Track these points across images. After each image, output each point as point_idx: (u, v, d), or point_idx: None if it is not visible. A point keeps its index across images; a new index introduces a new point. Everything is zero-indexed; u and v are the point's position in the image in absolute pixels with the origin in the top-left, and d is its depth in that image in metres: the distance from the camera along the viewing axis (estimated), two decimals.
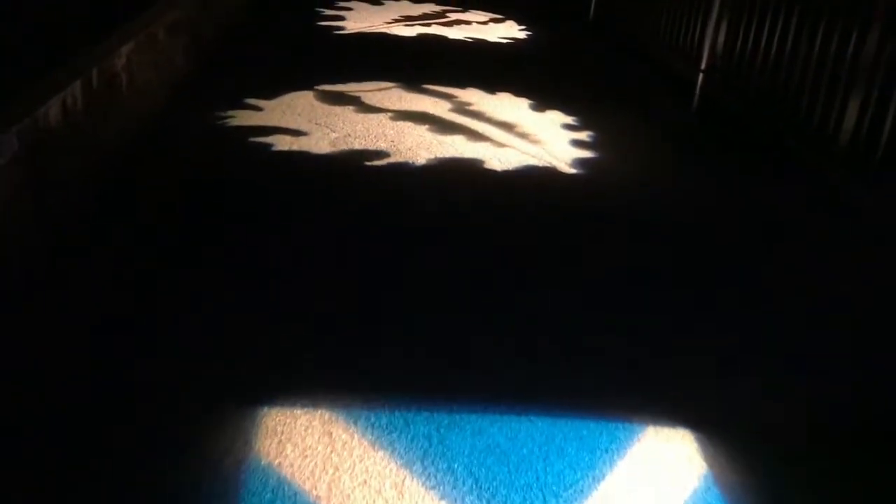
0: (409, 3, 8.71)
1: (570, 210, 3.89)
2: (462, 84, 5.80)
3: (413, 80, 5.81)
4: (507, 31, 7.85)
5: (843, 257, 3.62)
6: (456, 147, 4.57)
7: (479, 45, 7.15)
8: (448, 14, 8.30)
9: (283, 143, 4.45)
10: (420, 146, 4.55)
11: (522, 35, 7.73)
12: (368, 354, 2.63)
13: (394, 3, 8.67)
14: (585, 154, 4.64)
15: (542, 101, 5.55)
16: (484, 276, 3.20)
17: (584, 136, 4.96)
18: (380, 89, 5.58)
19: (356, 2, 8.56)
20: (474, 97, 5.55)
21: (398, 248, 3.38)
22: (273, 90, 5.36)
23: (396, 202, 3.85)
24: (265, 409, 2.30)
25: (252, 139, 4.49)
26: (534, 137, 4.83)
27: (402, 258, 3.30)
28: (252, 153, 4.31)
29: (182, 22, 5.28)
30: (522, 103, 5.52)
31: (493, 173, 4.26)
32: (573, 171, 4.38)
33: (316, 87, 5.51)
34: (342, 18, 7.78)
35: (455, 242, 3.49)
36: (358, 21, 7.71)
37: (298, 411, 2.29)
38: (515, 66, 6.53)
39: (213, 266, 3.15)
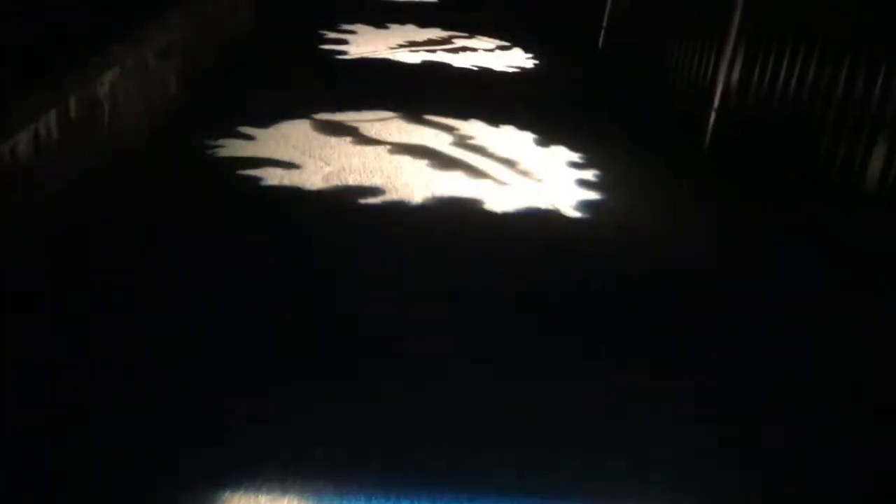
0: (414, 27, 8.55)
1: (571, 262, 3.66)
2: (465, 115, 5.60)
3: (414, 109, 5.61)
4: (514, 59, 7.66)
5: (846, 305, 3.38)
6: (455, 185, 4.36)
7: (485, 74, 6.96)
8: (454, 40, 8.13)
9: (272, 177, 4.24)
10: (417, 183, 4.33)
11: (529, 64, 7.53)
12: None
13: (399, 27, 8.50)
14: (590, 195, 4.41)
15: (547, 136, 5.34)
16: (484, 360, 2.82)
17: (589, 175, 4.74)
18: (380, 119, 5.38)
19: (361, 25, 8.40)
20: (477, 130, 5.34)
21: (385, 310, 3.15)
22: (268, 118, 5.16)
23: (387, 254, 3.62)
24: None
25: (240, 172, 4.28)
26: (537, 176, 4.61)
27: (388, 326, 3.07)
28: (237, 189, 4.09)
29: (175, 45, 5.10)
30: (527, 137, 5.30)
31: (491, 216, 4.03)
32: (577, 214, 4.15)
33: (313, 116, 5.31)
34: (345, 42, 7.61)
35: (448, 305, 3.25)
36: (361, 45, 7.53)
37: None
38: (521, 97, 6.33)
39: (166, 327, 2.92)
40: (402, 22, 8.70)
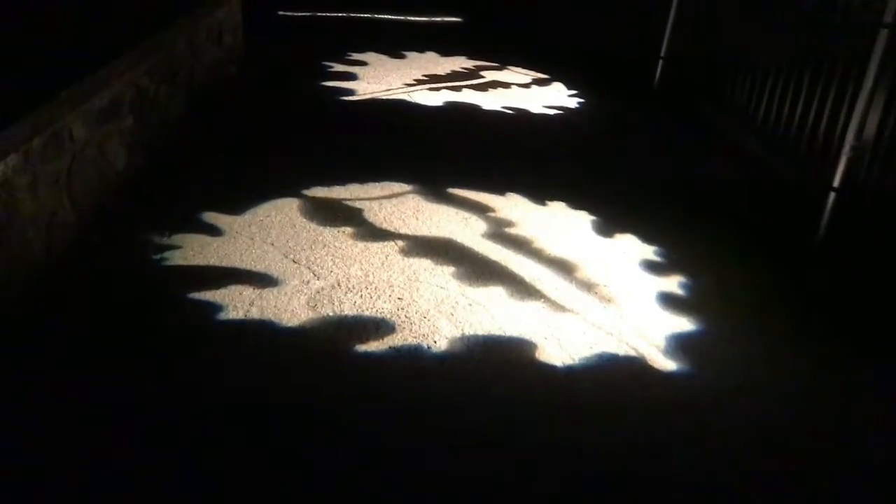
0: (435, 55, 7.29)
1: (673, 457, 2.40)
2: (500, 185, 4.35)
3: (436, 178, 4.37)
4: (554, 97, 6.39)
5: None
6: (492, 313, 3.10)
7: (521, 121, 5.70)
8: (482, 72, 6.87)
9: (235, 305, 3.01)
10: (439, 310, 3.08)
11: (573, 104, 6.26)
12: None
13: (417, 55, 7.25)
14: (683, 325, 3.15)
15: (609, 217, 4.08)
16: None
17: (674, 284, 3.48)
18: (390, 196, 4.14)
19: (373, 53, 7.16)
20: (517, 209, 4.09)
21: None
22: (245, 198, 3.94)
23: (398, 459, 2.38)
24: None
25: (190, 295, 3.06)
26: (604, 291, 3.35)
27: None
28: (179, 330, 2.87)
29: (124, 101, 3.89)
30: (582, 220, 4.04)
31: (549, 373, 2.78)
32: (669, 365, 2.89)
33: (304, 193, 4.08)
34: (353, 77, 6.37)
35: None
36: (373, 81, 6.29)
37: None
38: (567, 154, 5.06)
39: None
40: (422, 48, 7.45)
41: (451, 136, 5.20)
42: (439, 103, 5.88)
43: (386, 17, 8.67)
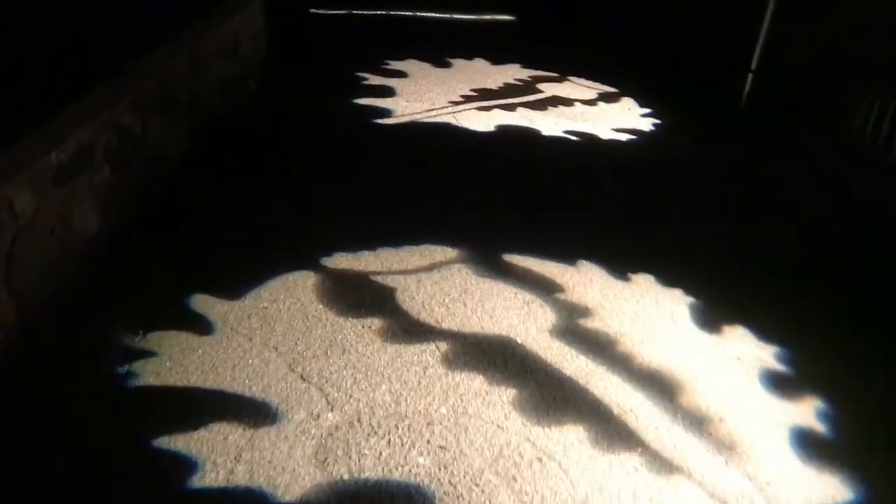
0: (485, 63, 6.37)
1: None
2: (569, 249, 3.46)
3: (488, 240, 3.49)
4: (626, 116, 5.44)
5: None
6: (570, 477, 2.23)
7: (589, 152, 4.77)
8: (539, 85, 5.94)
9: (216, 460, 2.18)
10: (496, 471, 2.22)
11: (647, 125, 5.31)
12: None
13: (464, 63, 6.34)
14: (833, 491, 2.24)
15: (711, 299, 3.16)
16: None
17: (809, 413, 2.56)
18: (432, 266, 3.27)
19: (414, 61, 6.27)
20: (592, 287, 3.20)
21: None
22: (249, 269, 3.11)
23: None
24: None
25: (156, 443, 2.23)
26: (721, 431, 2.45)
27: None
28: None
29: (100, 146, 3.07)
30: (677, 304, 3.13)
31: None
32: None
33: (323, 262, 3.23)
34: (390, 93, 5.49)
35: None
36: (413, 98, 5.41)
37: None
38: (650, 203, 4.13)
39: None
40: (469, 54, 6.53)
41: (506, 174, 4.29)
42: (491, 128, 4.97)
43: (429, 14, 7.76)
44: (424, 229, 3.55)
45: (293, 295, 2.98)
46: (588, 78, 6.17)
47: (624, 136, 5.07)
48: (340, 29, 7.13)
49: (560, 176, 4.33)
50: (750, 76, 5.66)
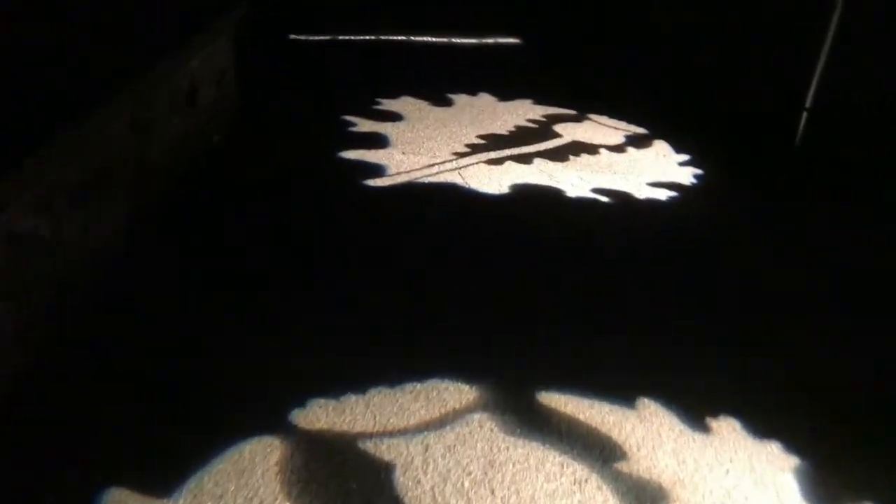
0: (491, 99, 5.51)
1: None
2: (622, 378, 2.60)
3: (516, 369, 2.63)
4: (660, 165, 4.60)
5: None
6: None
7: (624, 214, 3.92)
8: (556, 126, 5.08)
9: None
10: None
11: (687, 176, 4.46)
12: None
13: (468, 100, 5.47)
14: None
15: (827, 462, 2.31)
16: None
17: None
18: (441, 421, 2.40)
19: (410, 98, 5.40)
20: (663, 448, 2.34)
21: None
22: (182, 440, 2.24)
23: None
24: None
25: None
26: None
27: None
28: None
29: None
30: (780, 474, 2.27)
31: None
32: None
33: (292, 419, 2.36)
34: (383, 142, 4.62)
35: None
36: (409, 149, 4.54)
37: None
38: (710, 287, 3.28)
39: None
40: (472, 88, 5.66)
41: (528, 260, 3.42)
42: (504, 188, 4.11)
43: (425, 39, 6.90)
44: (430, 355, 2.69)
45: (248, 485, 2.11)
46: (611, 115, 5.32)
47: (663, 194, 4.22)
48: (324, 59, 6.26)
49: (596, 260, 3.46)
50: (804, 114, 4.82)
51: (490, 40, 7.06)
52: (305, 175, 4.13)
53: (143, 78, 3.36)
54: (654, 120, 5.27)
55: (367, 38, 6.80)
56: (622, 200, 4.09)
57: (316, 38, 6.69)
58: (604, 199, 4.09)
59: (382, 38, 6.82)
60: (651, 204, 4.09)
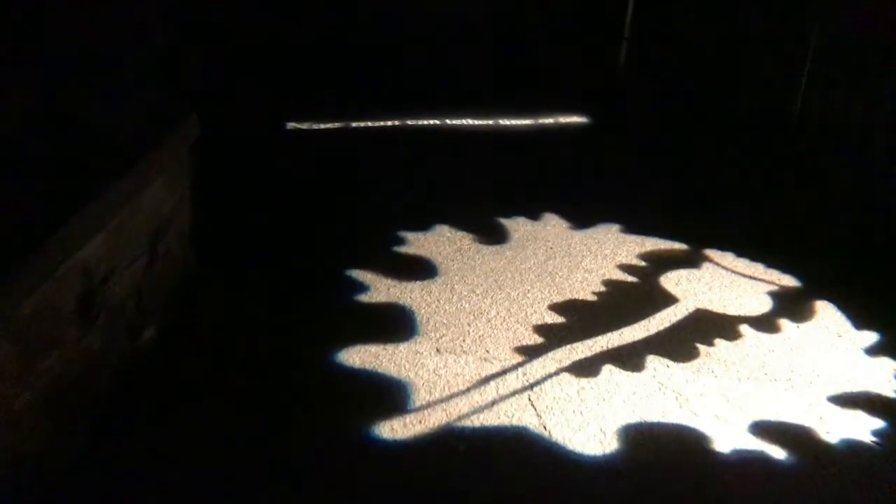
0: (563, 226, 3.87)
1: None
2: None
3: None
4: (837, 355, 2.94)
5: None
6: None
7: (809, 484, 2.26)
8: (666, 281, 3.41)
9: None
10: None
11: (888, 377, 2.78)
12: None
13: (530, 226, 3.83)
14: None
15: None
16: None
17: None
18: None
19: (446, 228, 3.77)
20: None
21: None
22: None
23: None
24: None
25: None
26: None
27: None
28: None
29: None
30: None
31: None
32: None
33: None
34: (405, 327, 2.98)
35: None
36: (447, 342, 2.90)
37: None
38: None
39: None
40: (535, 210, 4.00)
41: None
42: (609, 438, 2.44)
43: (461, 123, 5.26)
44: None
45: None
46: (749, 258, 3.63)
47: (866, 429, 2.54)
48: (327, 159, 4.63)
49: None
50: None
51: (548, 120, 5.41)
52: (273, 420, 2.50)
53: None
54: (804, 254, 3.60)
55: (386, 123, 5.18)
56: (807, 453, 2.42)
57: (320, 126, 5.08)
58: (778, 455, 2.41)
59: (409, 122, 5.20)
60: (851, 452, 2.41)
